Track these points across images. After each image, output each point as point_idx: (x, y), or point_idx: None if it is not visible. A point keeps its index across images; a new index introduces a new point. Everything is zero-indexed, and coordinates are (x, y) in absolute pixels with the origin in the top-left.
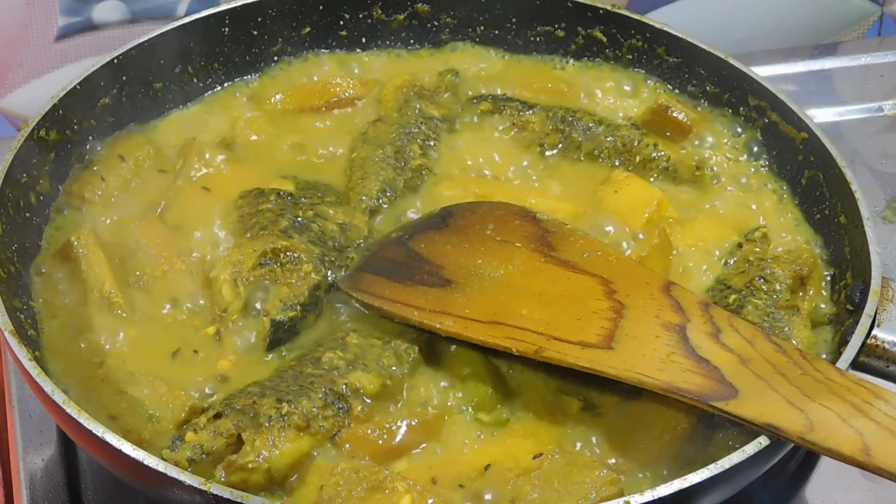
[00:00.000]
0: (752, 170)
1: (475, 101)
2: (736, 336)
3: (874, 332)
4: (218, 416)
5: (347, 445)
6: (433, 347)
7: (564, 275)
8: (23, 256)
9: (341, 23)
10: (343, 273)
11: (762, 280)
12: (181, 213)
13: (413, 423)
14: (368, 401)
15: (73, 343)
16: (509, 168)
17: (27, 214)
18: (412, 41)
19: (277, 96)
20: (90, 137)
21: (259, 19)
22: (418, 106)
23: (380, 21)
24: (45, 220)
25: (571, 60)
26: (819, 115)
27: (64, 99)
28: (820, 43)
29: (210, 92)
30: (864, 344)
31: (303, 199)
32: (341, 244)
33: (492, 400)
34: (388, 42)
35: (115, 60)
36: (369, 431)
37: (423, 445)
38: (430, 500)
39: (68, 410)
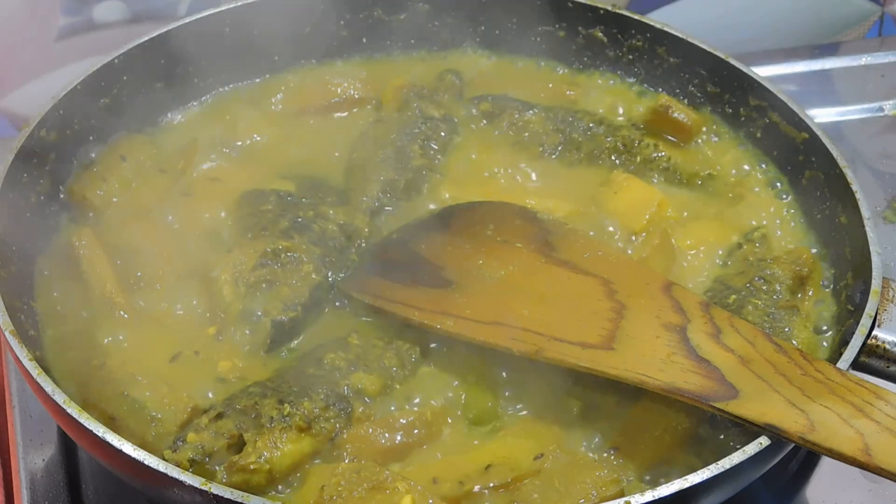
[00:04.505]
0: (753, 170)
1: (476, 101)
2: (736, 336)
3: (875, 332)
4: (219, 416)
5: (349, 446)
6: (434, 348)
7: (565, 275)
8: (24, 257)
9: (342, 23)
10: (344, 274)
11: (762, 280)
12: (182, 214)
13: (414, 423)
14: (370, 401)
15: (74, 344)
16: (510, 168)
17: (28, 214)
18: (413, 41)
19: (278, 96)
20: (91, 137)
21: (260, 19)
22: (419, 106)
23: (380, 21)
24: (45, 221)
25: (572, 61)
26: (819, 116)
27: (64, 99)
28: (820, 43)
29: (211, 92)
30: (864, 344)
31: (303, 199)
32: (342, 245)
33: (489, 413)
34: (388, 42)
35: (116, 60)
36: (370, 432)
37: (424, 446)
38: (431, 501)
39: (69, 410)
